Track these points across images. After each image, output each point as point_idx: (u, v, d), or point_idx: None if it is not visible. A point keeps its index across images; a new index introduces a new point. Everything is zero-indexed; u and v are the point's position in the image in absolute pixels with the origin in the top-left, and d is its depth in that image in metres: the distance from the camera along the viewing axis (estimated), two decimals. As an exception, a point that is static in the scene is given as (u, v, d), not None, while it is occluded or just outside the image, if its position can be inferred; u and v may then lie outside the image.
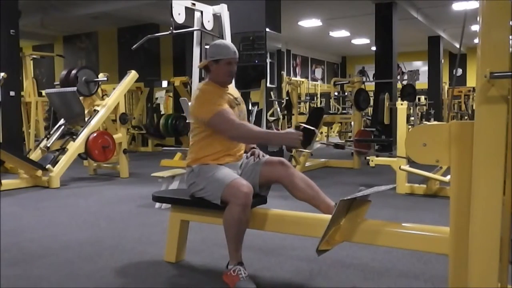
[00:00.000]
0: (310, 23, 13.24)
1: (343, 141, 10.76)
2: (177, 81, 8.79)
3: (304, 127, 2.56)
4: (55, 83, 7.39)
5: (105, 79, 6.73)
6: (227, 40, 2.61)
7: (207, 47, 5.92)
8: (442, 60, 15.30)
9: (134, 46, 5.29)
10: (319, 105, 14.45)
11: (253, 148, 2.65)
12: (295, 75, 17.23)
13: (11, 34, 7.51)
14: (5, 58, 7.37)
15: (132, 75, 6.77)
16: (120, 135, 6.47)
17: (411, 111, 8.25)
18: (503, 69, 1.46)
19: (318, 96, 15.37)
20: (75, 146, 5.88)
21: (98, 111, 6.28)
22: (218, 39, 5.54)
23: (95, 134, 5.99)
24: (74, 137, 6.04)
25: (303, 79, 14.22)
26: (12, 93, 7.41)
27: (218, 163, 2.45)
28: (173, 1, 4.71)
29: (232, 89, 2.63)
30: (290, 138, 2.30)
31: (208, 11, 5.19)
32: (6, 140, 6.60)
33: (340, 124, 12.22)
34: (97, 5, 10.37)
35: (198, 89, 2.52)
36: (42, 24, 12.15)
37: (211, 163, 2.44)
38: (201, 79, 5.88)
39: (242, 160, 2.58)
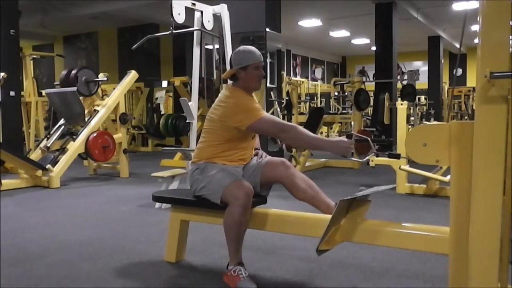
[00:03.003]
0: (310, 23, 13.24)
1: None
2: (177, 81, 8.80)
3: (358, 137, 2.49)
4: (55, 83, 7.39)
5: (105, 79, 6.73)
6: (252, 46, 2.57)
7: (208, 46, 5.94)
8: (442, 60, 15.30)
9: (134, 46, 5.30)
10: (319, 105, 14.45)
11: (257, 149, 2.65)
12: (295, 75, 17.22)
13: (11, 34, 7.52)
14: (5, 58, 7.38)
15: (132, 75, 6.77)
16: (120, 135, 6.47)
17: (411, 111, 8.25)
18: (503, 69, 1.45)
19: (318, 96, 15.36)
20: (75, 146, 5.88)
21: (98, 111, 6.28)
22: (218, 39, 5.55)
23: (95, 134, 5.99)
24: (74, 137, 6.05)
25: (303, 79, 14.21)
26: (12, 93, 7.43)
27: (224, 163, 2.44)
28: (173, 1, 4.71)
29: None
30: (341, 146, 2.25)
31: (208, 11, 5.19)
32: (6, 140, 6.60)
33: (340, 124, 12.22)
34: (97, 5, 10.36)
35: (229, 95, 2.43)
36: (42, 24, 12.15)
37: (217, 162, 2.44)
38: (201, 79, 5.88)
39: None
